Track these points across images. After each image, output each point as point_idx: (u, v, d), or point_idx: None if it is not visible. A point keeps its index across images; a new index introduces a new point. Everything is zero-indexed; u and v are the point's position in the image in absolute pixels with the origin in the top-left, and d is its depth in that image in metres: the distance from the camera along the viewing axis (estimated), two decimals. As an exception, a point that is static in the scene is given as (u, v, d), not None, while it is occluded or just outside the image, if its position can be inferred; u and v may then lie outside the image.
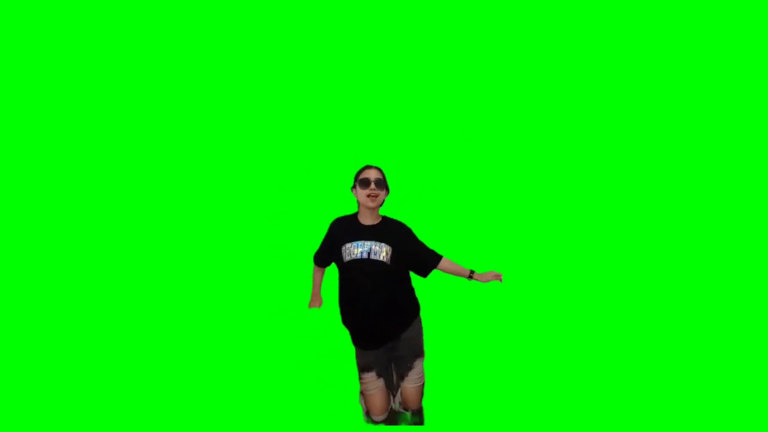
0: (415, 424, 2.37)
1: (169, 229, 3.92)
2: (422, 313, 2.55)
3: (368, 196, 2.29)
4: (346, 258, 2.36)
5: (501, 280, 2.35)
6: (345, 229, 2.39)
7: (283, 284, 3.78)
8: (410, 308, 2.40)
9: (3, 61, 3.71)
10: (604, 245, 3.88)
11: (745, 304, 3.56)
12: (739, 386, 3.01)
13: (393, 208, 2.65)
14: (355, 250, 2.32)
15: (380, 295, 2.30)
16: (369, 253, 2.29)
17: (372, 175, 2.34)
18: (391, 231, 2.37)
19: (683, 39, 3.83)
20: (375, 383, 2.38)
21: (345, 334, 2.52)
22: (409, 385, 2.35)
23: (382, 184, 2.33)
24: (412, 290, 2.46)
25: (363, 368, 2.39)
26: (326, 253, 2.47)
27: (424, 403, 2.47)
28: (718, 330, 3.47)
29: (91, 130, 3.90)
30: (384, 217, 2.44)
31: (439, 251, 2.50)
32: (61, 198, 3.79)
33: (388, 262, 2.28)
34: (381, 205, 2.39)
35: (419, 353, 2.37)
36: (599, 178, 3.95)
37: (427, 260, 2.38)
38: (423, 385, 2.40)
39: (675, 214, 3.84)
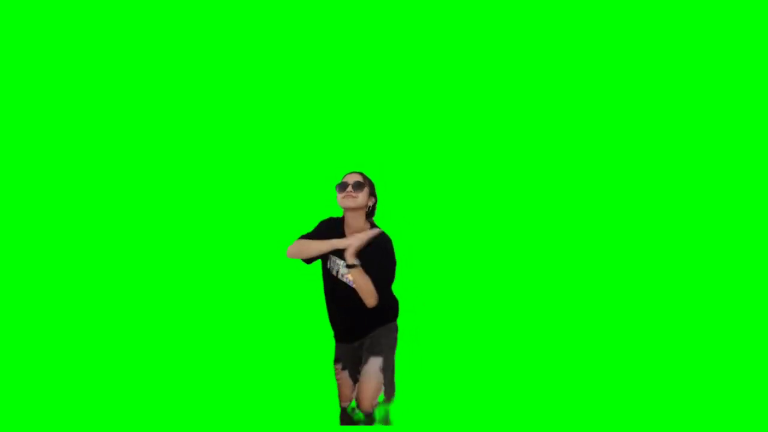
0: (367, 424, 2.39)
1: (160, 228, 3.90)
2: (408, 317, 2.56)
3: (344, 197, 2.26)
4: (333, 271, 2.36)
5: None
6: (332, 237, 2.33)
7: (273, 283, 3.78)
8: (385, 314, 2.37)
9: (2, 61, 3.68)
10: (599, 246, 3.85)
11: (744, 303, 3.52)
12: (738, 386, 2.99)
13: (389, 212, 2.65)
14: (340, 269, 2.30)
15: (358, 304, 2.27)
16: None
17: (350, 179, 2.31)
18: (372, 246, 2.26)
19: (682, 39, 3.82)
20: (339, 374, 2.42)
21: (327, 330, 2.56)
22: (361, 378, 2.31)
23: (361, 186, 2.28)
24: (391, 298, 2.42)
25: (335, 359, 2.46)
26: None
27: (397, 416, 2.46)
28: (716, 329, 3.44)
29: (82, 131, 3.89)
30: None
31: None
32: (52, 196, 3.76)
33: None
34: (363, 209, 2.32)
35: (378, 353, 2.32)
36: (593, 178, 3.92)
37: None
38: (376, 388, 2.30)
39: (669, 215, 3.79)
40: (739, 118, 3.77)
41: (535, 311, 3.77)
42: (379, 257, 2.24)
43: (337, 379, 2.44)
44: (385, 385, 2.35)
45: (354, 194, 2.25)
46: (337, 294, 2.34)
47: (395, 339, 2.44)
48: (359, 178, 2.31)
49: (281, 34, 4.00)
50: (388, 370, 2.36)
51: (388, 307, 2.38)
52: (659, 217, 3.82)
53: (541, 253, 3.89)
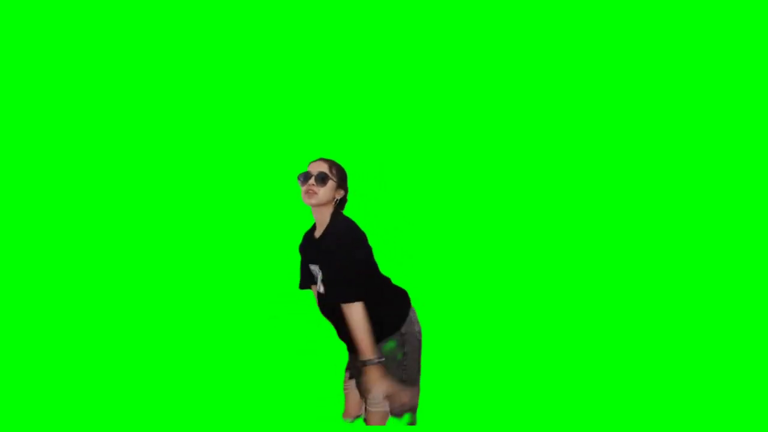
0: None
1: (146, 225, 3.93)
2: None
3: (305, 192, 1.93)
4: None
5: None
6: (305, 246, 2.15)
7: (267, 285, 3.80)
8: (379, 326, 1.97)
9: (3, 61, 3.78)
10: (597, 245, 3.81)
11: (745, 304, 3.44)
12: (739, 386, 2.92)
13: (375, 211, 2.57)
14: (318, 277, 2.03)
15: (337, 315, 1.98)
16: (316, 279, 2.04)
17: (314, 168, 1.96)
18: (327, 243, 1.97)
19: (680, 39, 3.70)
20: (347, 383, 2.16)
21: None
22: (368, 407, 1.97)
23: (324, 180, 1.93)
24: (384, 307, 2.08)
25: (347, 367, 2.21)
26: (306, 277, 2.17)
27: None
28: (717, 330, 3.36)
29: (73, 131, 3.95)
30: (331, 221, 1.99)
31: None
32: (41, 195, 3.84)
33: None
34: (326, 204, 1.97)
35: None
36: (589, 177, 3.88)
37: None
38: (384, 414, 1.99)
39: (663, 216, 3.74)
40: (738, 119, 3.68)
41: (533, 309, 3.72)
42: (340, 252, 1.91)
43: (345, 389, 2.21)
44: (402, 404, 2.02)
45: (315, 189, 1.92)
46: (319, 300, 2.11)
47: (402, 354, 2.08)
48: (324, 168, 1.95)
49: (268, 31, 3.97)
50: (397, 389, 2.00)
51: (382, 324, 2.00)
52: (644, 208, 3.74)
53: (538, 249, 3.84)
